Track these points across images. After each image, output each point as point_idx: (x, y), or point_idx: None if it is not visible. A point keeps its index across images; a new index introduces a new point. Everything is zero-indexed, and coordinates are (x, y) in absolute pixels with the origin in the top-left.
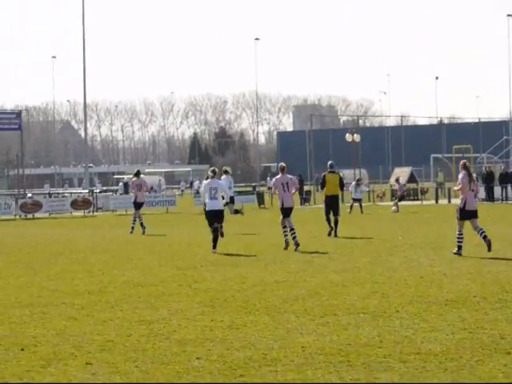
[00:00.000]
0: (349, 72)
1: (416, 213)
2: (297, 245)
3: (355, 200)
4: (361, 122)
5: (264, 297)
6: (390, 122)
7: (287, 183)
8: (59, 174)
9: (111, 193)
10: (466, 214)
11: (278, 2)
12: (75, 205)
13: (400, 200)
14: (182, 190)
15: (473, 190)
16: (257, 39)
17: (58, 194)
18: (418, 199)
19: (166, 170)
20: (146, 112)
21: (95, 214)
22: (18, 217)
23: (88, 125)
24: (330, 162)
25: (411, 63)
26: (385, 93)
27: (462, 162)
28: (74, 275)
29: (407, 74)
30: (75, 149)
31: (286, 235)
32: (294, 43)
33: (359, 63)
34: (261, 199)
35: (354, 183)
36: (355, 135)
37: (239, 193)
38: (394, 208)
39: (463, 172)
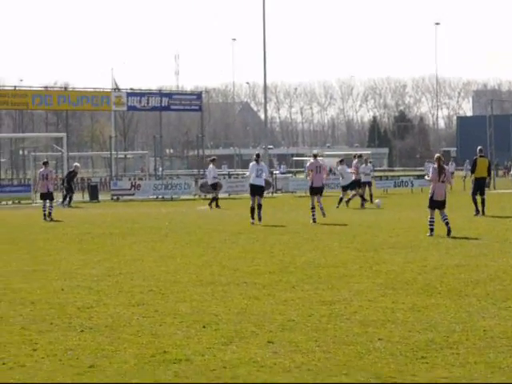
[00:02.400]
0: None
1: None
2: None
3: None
4: None
5: (445, 280)
6: None
7: (320, 166)
8: (238, 155)
9: (290, 174)
10: (434, 203)
11: None
12: None
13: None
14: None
15: (443, 182)
16: (437, 24)
17: (238, 174)
18: None
19: (344, 152)
20: (326, 95)
21: (275, 195)
22: (197, 197)
23: (267, 107)
24: (479, 147)
25: None
26: None
27: (436, 156)
28: (254, 255)
29: None
30: (254, 130)
31: (313, 213)
32: (475, 27)
33: None
34: None
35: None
36: None
37: (418, 177)
38: (377, 201)
39: (434, 165)
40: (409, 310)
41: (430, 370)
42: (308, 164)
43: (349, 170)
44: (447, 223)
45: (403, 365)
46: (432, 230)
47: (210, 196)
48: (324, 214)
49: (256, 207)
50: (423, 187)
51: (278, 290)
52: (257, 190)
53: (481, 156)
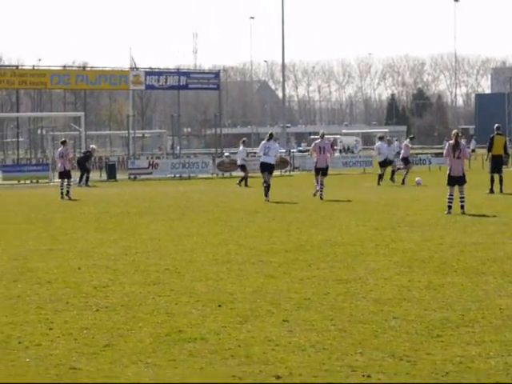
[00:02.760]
0: None
1: None
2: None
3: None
4: None
5: (462, 258)
6: None
7: (324, 147)
8: (256, 134)
9: (308, 153)
10: (452, 180)
11: None
12: None
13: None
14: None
15: (459, 158)
16: (456, 0)
17: (255, 153)
18: None
19: (362, 131)
20: (344, 73)
21: (292, 173)
22: (215, 175)
23: (285, 85)
24: (496, 125)
25: None
26: None
27: (453, 132)
28: (271, 233)
29: None
30: (272, 109)
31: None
32: (494, 4)
33: None
34: None
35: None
36: None
37: (436, 154)
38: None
39: (449, 141)
40: (425, 289)
41: (445, 348)
42: (313, 144)
43: (386, 147)
44: (462, 206)
45: (418, 343)
46: (450, 207)
47: (227, 175)
48: (321, 195)
49: (269, 184)
50: (441, 165)
51: (294, 269)
52: (264, 167)
53: (498, 134)
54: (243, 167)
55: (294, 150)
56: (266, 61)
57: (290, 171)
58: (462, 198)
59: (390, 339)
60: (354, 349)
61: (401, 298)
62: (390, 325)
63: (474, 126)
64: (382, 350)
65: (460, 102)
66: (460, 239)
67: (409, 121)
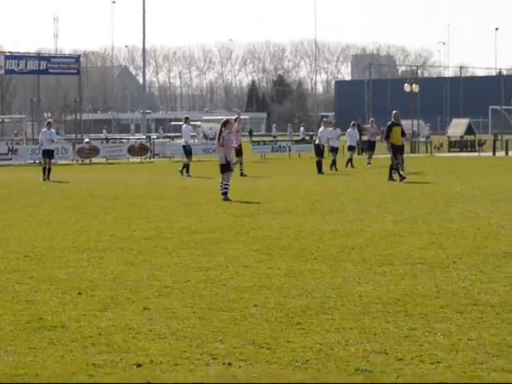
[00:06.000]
0: (408, 22)
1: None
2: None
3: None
4: (419, 72)
5: (321, 245)
6: (449, 73)
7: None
8: (116, 120)
9: (168, 139)
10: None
11: None
12: (132, 151)
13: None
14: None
15: (223, 146)
16: None
17: (115, 139)
18: (475, 151)
19: (223, 117)
20: (205, 59)
21: (152, 160)
22: (75, 162)
23: (146, 71)
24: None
25: (471, 14)
26: (444, 43)
27: (222, 120)
28: (130, 221)
29: (467, 25)
30: (133, 95)
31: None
32: None
33: (419, 13)
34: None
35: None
36: (414, 85)
37: (296, 142)
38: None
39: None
40: (284, 276)
41: (305, 335)
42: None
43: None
44: (225, 193)
45: (278, 331)
46: (226, 193)
47: (87, 161)
48: None
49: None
50: (301, 152)
51: (154, 256)
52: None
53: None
54: (188, 151)
55: (155, 136)
56: (126, 46)
57: (150, 158)
58: (226, 184)
59: (251, 327)
60: (215, 336)
61: (261, 286)
62: (250, 312)
63: (333, 113)
64: (242, 337)
65: (320, 88)
66: (319, 227)
67: (269, 107)
